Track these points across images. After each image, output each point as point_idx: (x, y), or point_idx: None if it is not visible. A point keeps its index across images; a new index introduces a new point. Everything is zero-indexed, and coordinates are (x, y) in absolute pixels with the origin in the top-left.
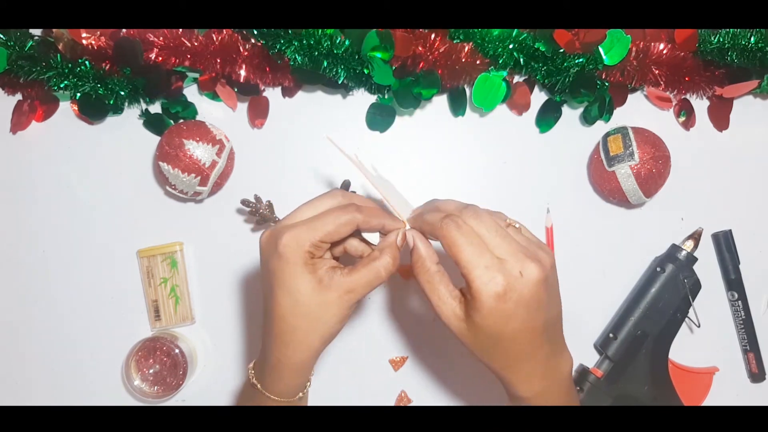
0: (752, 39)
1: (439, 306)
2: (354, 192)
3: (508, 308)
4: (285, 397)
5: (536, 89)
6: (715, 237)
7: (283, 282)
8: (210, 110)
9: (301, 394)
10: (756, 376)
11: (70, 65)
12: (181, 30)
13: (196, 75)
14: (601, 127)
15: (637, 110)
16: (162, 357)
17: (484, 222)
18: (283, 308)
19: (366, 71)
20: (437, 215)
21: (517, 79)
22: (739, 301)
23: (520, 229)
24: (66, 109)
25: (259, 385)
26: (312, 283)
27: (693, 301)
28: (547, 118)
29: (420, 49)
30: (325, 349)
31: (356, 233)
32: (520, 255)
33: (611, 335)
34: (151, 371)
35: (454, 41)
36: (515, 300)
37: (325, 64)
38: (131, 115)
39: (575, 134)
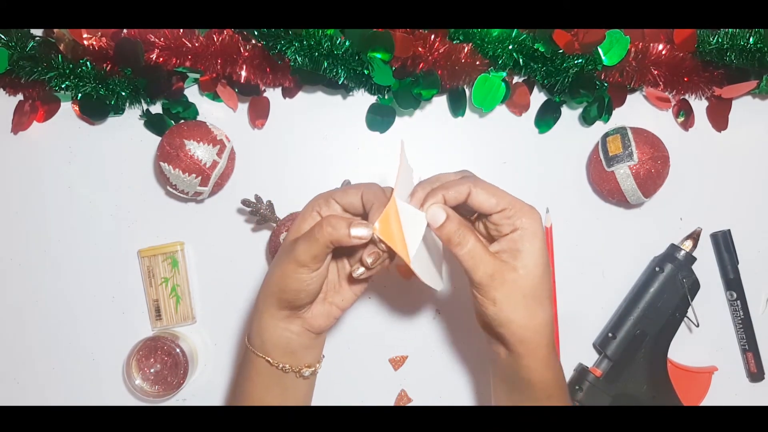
0: (751, 39)
1: (483, 261)
2: None
3: (543, 242)
4: (261, 352)
5: (535, 90)
6: (714, 237)
7: (290, 227)
8: (211, 111)
9: (283, 366)
10: (755, 376)
11: (71, 66)
12: (181, 30)
13: (197, 75)
14: (600, 128)
15: (636, 111)
16: (163, 356)
17: (485, 181)
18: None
19: (366, 72)
20: (451, 183)
21: (516, 79)
22: (738, 301)
23: None
24: (67, 109)
25: (249, 345)
26: (295, 234)
27: (692, 300)
28: (547, 118)
29: (420, 49)
30: (285, 305)
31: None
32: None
33: (610, 335)
34: (152, 370)
35: (454, 42)
36: (543, 239)
37: (326, 64)
38: (132, 115)
39: (574, 134)
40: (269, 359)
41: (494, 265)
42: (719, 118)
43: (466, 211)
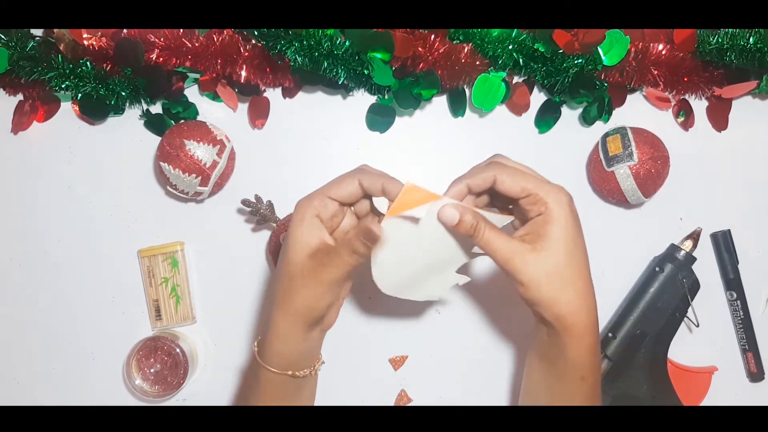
0: (751, 39)
1: (500, 247)
2: None
3: (576, 215)
4: (279, 369)
5: (535, 90)
6: (714, 237)
7: (287, 240)
8: (211, 111)
9: (302, 373)
10: (755, 376)
11: (71, 66)
12: (181, 30)
13: (197, 75)
14: (600, 128)
15: (636, 110)
16: (163, 356)
17: (518, 164)
18: (283, 265)
19: (366, 72)
20: (480, 168)
21: (516, 79)
22: (738, 301)
23: None
24: (67, 109)
25: (258, 357)
26: (302, 247)
27: (692, 300)
28: (547, 118)
29: (420, 49)
30: (313, 323)
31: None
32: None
33: (610, 335)
34: (152, 370)
35: (454, 42)
36: (575, 209)
37: (326, 64)
38: (132, 115)
39: (574, 135)
40: (289, 373)
41: (511, 248)
42: (719, 118)
43: (502, 200)
